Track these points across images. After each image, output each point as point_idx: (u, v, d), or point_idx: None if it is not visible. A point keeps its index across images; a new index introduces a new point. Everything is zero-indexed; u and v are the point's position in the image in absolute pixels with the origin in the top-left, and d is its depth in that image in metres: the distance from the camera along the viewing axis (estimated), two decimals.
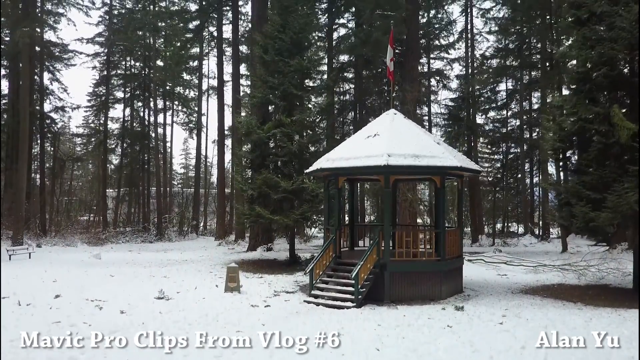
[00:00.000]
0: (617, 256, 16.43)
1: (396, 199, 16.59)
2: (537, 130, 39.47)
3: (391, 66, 13.78)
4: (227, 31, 40.48)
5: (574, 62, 13.79)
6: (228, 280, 12.34)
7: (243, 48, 41.43)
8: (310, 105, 18.67)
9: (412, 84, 19.32)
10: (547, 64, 34.56)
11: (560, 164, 14.02)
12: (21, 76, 26.59)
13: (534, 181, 44.53)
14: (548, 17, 33.33)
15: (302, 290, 13.19)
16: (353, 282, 11.10)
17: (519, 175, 44.33)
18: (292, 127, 17.45)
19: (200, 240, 37.06)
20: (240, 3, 36.73)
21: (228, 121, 40.30)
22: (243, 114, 18.25)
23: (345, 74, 33.60)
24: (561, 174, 15.10)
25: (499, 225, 43.25)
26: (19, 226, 24.87)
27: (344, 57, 32.46)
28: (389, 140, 12.18)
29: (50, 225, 37.68)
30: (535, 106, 40.95)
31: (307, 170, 13.96)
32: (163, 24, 31.68)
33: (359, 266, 11.11)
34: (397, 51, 24.57)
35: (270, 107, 18.99)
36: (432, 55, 32.45)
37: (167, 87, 41.15)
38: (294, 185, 16.98)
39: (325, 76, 28.02)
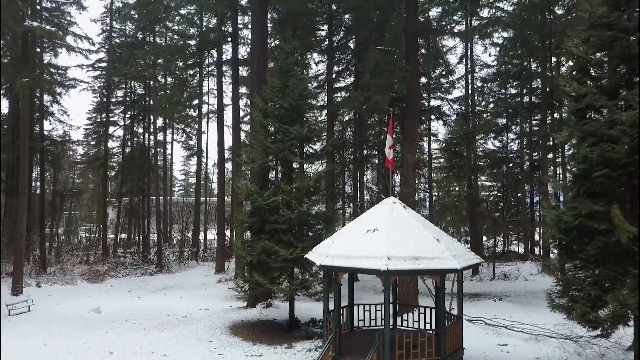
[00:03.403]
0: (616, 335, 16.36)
1: None
2: (538, 151, 39.56)
3: (389, 154, 13.66)
4: (227, 50, 40.61)
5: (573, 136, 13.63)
6: None
7: (243, 72, 41.52)
8: (310, 172, 18.63)
9: (411, 147, 19.22)
10: (547, 88, 34.68)
11: (563, 251, 13.93)
12: (20, 118, 26.45)
13: (534, 200, 44.65)
14: (548, 42, 33.25)
15: None
16: None
17: (519, 194, 44.42)
18: (292, 194, 17.40)
19: (200, 269, 37.03)
20: (239, 26, 36.71)
21: (228, 141, 40.34)
22: (243, 181, 18.11)
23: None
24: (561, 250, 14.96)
25: (499, 239, 43.21)
26: (18, 273, 24.84)
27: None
28: (388, 239, 12.13)
29: (50, 253, 37.79)
30: (536, 128, 41.07)
31: (307, 256, 13.93)
32: (161, 60, 31.60)
33: None
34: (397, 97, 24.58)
35: (270, 171, 18.91)
36: (432, 96, 32.38)
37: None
38: (293, 254, 16.92)
39: (324, 117, 28.01)
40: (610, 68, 12.90)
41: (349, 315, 14.94)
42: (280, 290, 17.35)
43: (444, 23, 34.54)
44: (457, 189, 33.47)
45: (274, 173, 19.11)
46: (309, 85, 32.51)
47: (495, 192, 43.89)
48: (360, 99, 20.54)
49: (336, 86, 34.00)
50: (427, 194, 33.15)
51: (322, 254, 12.78)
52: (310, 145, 19.38)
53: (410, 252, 11.80)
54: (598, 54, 13.06)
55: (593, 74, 13.40)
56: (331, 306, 13.73)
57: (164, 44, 35.55)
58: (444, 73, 32.28)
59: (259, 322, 19.29)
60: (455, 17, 33.65)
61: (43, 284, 29.00)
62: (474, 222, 32.36)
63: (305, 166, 18.75)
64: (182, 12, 35.36)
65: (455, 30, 33.37)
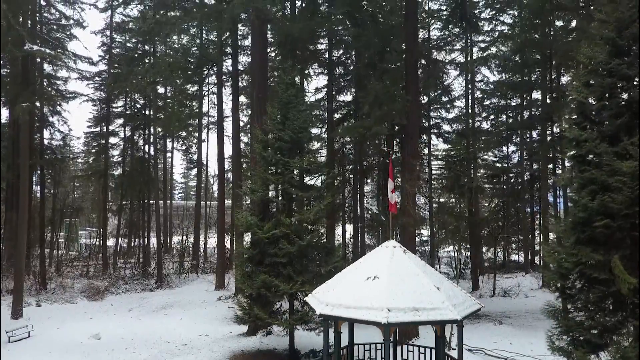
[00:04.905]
0: None
1: None
2: (539, 162, 39.51)
3: (392, 198, 13.67)
4: (228, 62, 40.55)
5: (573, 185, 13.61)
6: None
7: (243, 81, 41.56)
8: (310, 203, 18.62)
9: (411, 178, 19.19)
10: (547, 97, 34.81)
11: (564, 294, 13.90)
12: (21, 137, 26.37)
13: (535, 209, 44.60)
14: (548, 52, 33.17)
15: None
16: None
17: (519, 204, 44.32)
18: (292, 228, 17.38)
19: (200, 283, 37.05)
20: (239, 36, 36.58)
21: (228, 150, 40.25)
22: (243, 212, 18.11)
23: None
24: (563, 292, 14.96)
25: (500, 249, 43.07)
26: (19, 296, 24.87)
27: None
28: (388, 288, 12.12)
29: (50, 264, 37.88)
30: (536, 137, 41.00)
31: (307, 299, 13.92)
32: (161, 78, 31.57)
33: None
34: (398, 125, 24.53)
35: (270, 202, 18.89)
36: (432, 115, 32.36)
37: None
38: (293, 289, 16.93)
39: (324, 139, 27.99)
40: (610, 115, 12.84)
41: (349, 355, 14.94)
42: (281, 323, 17.37)
43: (444, 36, 34.65)
44: (456, 203, 33.36)
45: (274, 204, 19.04)
46: (309, 100, 32.73)
47: (496, 202, 43.85)
48: (360, 130, 20.57)
49: (337, 101, 34.00)
50: (428, 212, 33.16)
51: (323, 301, 12.76)
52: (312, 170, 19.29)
53: (410, 303, 11.79)
54: (599, 99, 13.00)
55: (594, 118, 13.35)
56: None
57: (164, 53, 35.52)
58: (443, 93, 32.25)
59: (259, 353, 19.27)
60: (455, 30, 33.71)
61: (43, 302, 29.03)
62: (474, 238, 32.38)
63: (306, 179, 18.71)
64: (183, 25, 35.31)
65: (457, 47, 33.41)
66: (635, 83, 12.71)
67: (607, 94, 12.72)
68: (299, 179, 18.09)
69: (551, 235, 32.62)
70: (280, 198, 18.30)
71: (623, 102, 12.67)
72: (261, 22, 21.66)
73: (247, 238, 19.71)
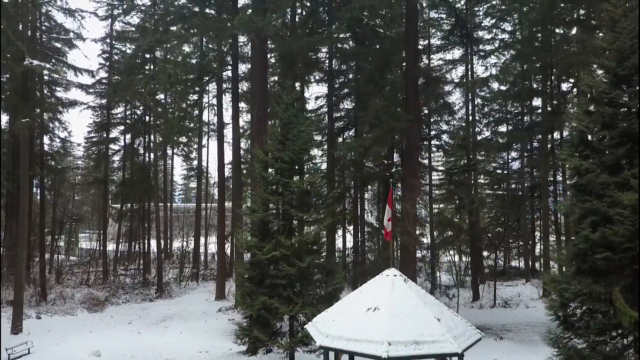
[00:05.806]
0: None
1: None
2: (539, 169, 39.47)
3: (388, 226, 13.64)
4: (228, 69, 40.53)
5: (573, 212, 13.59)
6: None
7: (243, 86, 41.53)
8: (310, 225, 18.60)
9: (411, 199, 19.18)
10: (548, 105, 34.77)
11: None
12: (20, 150, 26.35)
13: (535, 215, 44.53)
14: (549, 60, 33.10)
15: None
16: None
17: (520, 209, 44.25)
18: (292, 249, 17.34)
19: (200, 292, 36.95)
20: (240, 44, 36.59)
21: (228, 156, 40.25)
22: (244, 232, 18.09)
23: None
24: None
25: (500, 256, 42.99)
26: (18, 310, 24.86)
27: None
28: (388, 320, 12.07)
29: (50, 271, 37.93)
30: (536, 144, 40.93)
31: (307, 327, 13.89)
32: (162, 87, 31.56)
33: None
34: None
35: (270, 223, 18.86)
36: (432, 128, 32.34)
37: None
38: (292, 311, 16.93)
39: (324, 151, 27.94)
40: (611, 144, 12.81)
41: None
42: (281, 346, 17.36)
43: (444, 44, 34.63)
44: (456, 213, 33.24)
45: (274, 224, 19.00)
46: (309, 109, 32.73)
47: (496, 210, 43.78)
48: (360, 149, 20.60)
49: (337, 110, 34.00)
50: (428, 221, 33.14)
51: (323, 332, 12.72)
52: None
53: (411, 336, 11.75)
54: (600, 129, 12.98)
55: (595, 146, 13.31)
56: None
57: (165, 60, 35.48)
58: (443, 107, 32.27)
59: None
60: (456, 39, 33.64)
61: (43, 314, 29.01)
62: (474, 249, 32.36)
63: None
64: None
65: (457, 55, 33.42)
66: (634, 110, 12.69)
67: (608, 123, 12.67)
68: (299, 199, 18.02)
69: (551, 239, 32.55)
70: (280, 218, 18.24)
71: (624, 132, 12.62)
72: (261, 41, 21.65)
73: (247, 254, 19.69)
